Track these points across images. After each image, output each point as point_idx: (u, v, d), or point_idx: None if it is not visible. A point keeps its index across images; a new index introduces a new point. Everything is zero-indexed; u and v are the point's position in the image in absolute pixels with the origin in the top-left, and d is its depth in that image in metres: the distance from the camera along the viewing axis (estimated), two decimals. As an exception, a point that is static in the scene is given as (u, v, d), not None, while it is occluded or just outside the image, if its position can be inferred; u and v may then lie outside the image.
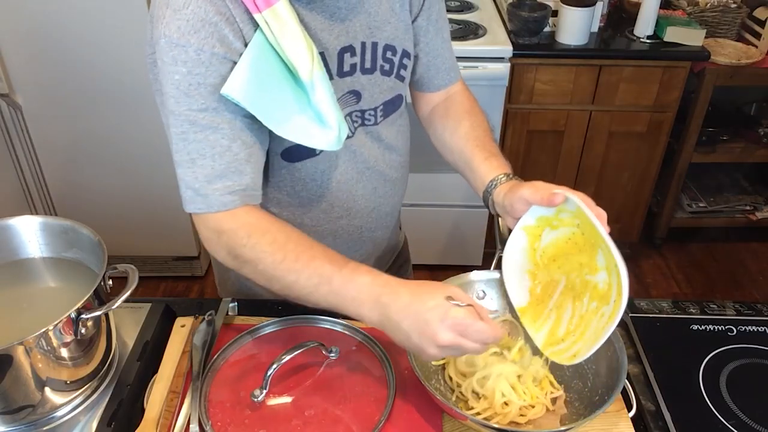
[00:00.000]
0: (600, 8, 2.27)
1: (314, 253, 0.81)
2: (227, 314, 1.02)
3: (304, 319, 1.01)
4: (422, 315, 0.74)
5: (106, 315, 0.87)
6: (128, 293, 0.82)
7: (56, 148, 2.19)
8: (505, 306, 0.99)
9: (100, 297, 0.83)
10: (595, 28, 2.29)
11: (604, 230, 0.80)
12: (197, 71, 0.78)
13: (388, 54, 0.95)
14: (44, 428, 0.83)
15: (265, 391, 0.86)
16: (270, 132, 0.86)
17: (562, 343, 0.87)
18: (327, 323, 1.00)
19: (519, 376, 0.89)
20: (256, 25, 0.80)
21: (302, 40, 0.80)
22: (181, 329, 0.98)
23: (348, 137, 0.97)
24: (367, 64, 0.94)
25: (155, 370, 0.92)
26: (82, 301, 0.78)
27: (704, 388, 0.92)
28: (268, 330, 0.99)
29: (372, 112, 0.98)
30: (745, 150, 2.55)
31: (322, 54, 0.88)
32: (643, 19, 2.24)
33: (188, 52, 0.77)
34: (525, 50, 2.17)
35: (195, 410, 0.85)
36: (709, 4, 2.41)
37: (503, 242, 0.97)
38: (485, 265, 1.89)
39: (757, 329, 1.03)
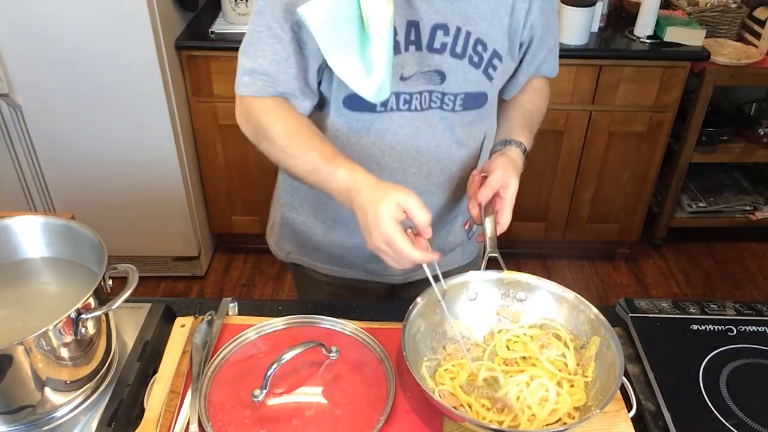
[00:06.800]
0: (600, 8, 2.27)
1: (312, 143, 0.95)
2: (227, 314, 1.02)
3: (304, 319, 1.01)
4: (369, 214, 0.87)
5: (106, 315, 0.87)
6: (128, 293, 0.83)
7: (56, 148, 2.19)
8: (499, 305, 0.99)
9: (100, 297, 0.83)
10: (595, 28, 2.29)
11: None
12: None
13: (479, 48, 0.99)
14: (44, 428, 0.83)
15: (265, 391, 0.86)
16: (333, 75, 0.96)
17: None
18: (327, 323, 1.00)
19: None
20: None
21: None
22: (181, 329, 0.98)
23: (416, 110, 1.01)
24: (458, 49, 0.98)
25: (155, 370, 0.92)
26: (82, 301, 0.78)
27: (704, 388, 0.92)
28: (267, 330, 0.99)
29: (452, 98, 1.02)
30: (745, 150, 2.55)
31: (416, 23, 0.94)
32: (643, 19, 2.24)
33: None
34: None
35: (195, 410, 0.85)
36: (709, 4, 2.41)
37: (492, 242, 0.98)
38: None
39: (757, 329, 1.03)
